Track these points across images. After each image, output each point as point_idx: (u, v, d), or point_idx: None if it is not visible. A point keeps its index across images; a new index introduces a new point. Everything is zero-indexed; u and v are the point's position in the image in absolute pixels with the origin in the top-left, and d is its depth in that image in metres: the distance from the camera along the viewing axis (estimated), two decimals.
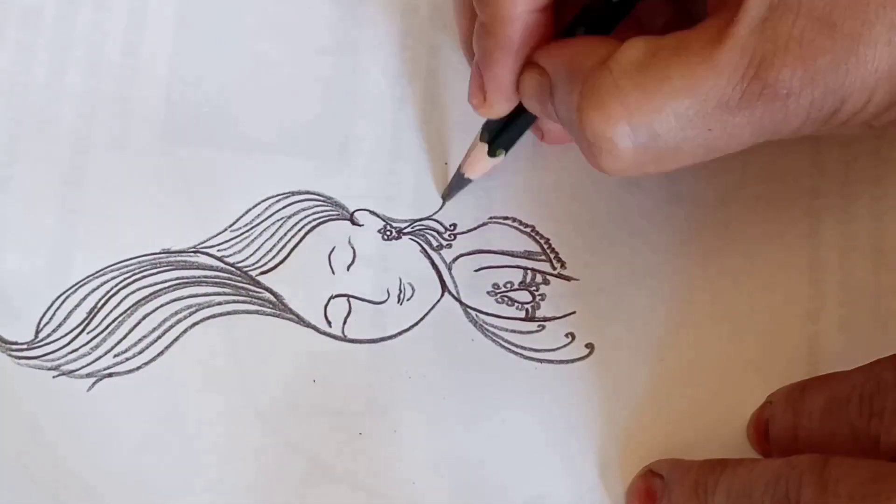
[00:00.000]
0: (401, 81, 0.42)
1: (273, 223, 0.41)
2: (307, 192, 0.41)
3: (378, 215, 0.41)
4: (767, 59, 0.30)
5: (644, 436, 0.39)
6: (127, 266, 0.41)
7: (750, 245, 0.40)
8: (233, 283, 0.40)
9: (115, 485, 0.39)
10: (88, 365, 0.40)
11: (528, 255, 0.41)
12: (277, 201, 0.41)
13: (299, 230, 0.41)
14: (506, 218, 0.41)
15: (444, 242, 0.41)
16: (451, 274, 0.41)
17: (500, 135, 0.38)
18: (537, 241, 0.41)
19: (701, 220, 0.41)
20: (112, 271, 0.41)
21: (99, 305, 0.40)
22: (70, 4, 0.43)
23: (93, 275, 0.40)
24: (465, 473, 0.39)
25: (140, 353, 0.40)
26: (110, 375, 0.40)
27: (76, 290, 0.40)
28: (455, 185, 0.41)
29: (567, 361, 0.40)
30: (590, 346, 0.40)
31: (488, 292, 0.40)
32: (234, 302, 0.40)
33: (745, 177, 0.41)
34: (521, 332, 0.40)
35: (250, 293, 0.40)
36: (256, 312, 0.40)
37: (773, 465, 0.32)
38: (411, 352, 0.40)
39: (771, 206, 0.41)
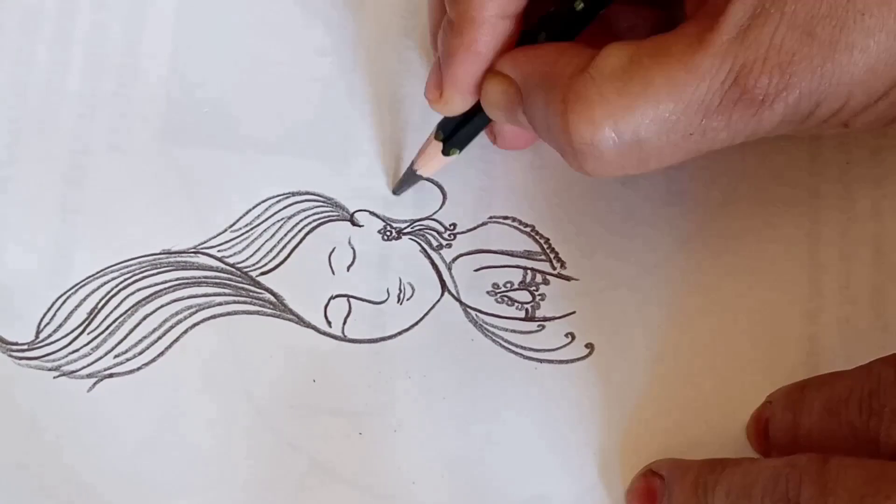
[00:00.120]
0: (400, 81, 0.42)
1: (273, 224, 0.41)
2: (307, 193, 0.41)
3: (378, 216, 0.41)
4: (747, 66, 0.30)
5: (644, 436, 0.39)
6: (127, 266, 0.41)
7: (750, 245, 0.40)
8: (233, 283, 0.40)
9: (116, 485, 0.39)
10: (89, 365, 0.40)
11: (527, 254, 0.41)
12: (277, 202, 0.41)
13: (299, 231, 0.41)
14: (506, 218, 0.41)
15: (444, 242, 0.41)
16: (450, 274, 0.41)
17: (454, 134, 0.38)
18: (537, 241, 0.41)
19: (701, 220, 0.41)
20: (112, 272, 0.41)
21: (99, 306, 0.40)
22: (70, 4, 0.43)
23: (93, 275, 0.40)
24: (465, 473, 0.39)
25: (140, 353, 0.40)
26: (111, 376, 0.40)
27: (77, 290, 0.40)
28: (406, 180, 0.41)
29: (567, 361, 0.40)
30: (590, 346, 0.40)
31: (488, 292, 0.40)
32: (235, 302, 0.40)
33: (744, 177, 0.41)
34: (521, 332, 0.40)
35: (250, 294, 0.40)
36: (257, 313, 0.40)
37: (772, 465, 0.32)
38: (411, 352, 0.40)
39: (771, 206, 0.41)
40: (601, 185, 0.41)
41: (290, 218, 0.41)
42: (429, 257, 0.41)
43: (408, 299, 0.40)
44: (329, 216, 0.41)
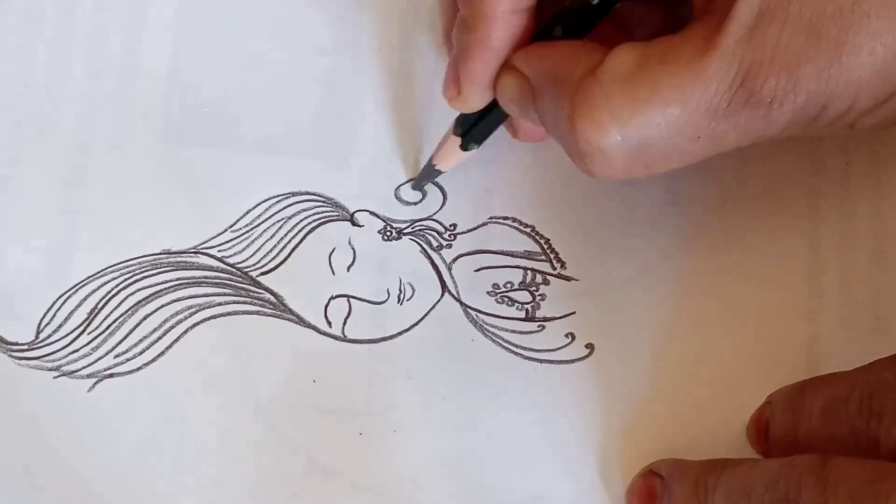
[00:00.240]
0: (400, 81, 0.42)
1: (273, 224, 0.41)
2: (307, 193, 0.41)
3: (378, 216, 0.41)
4: (754, 68, 0.30)
5: (644, 436, 0.39)
6: (127, 266, 0.41)
7: (750, 245, 0.40)
8: (233, 283, 0.40)
9: (116, 485, 0.39)
10: (89, 365, 0.40)
11: (528, 255, 0.41)
12: (278, 202, 0.41)
13: (300, 231, 0.41)
14: (506, 218, 0.41)
15: (444, 242, 0.41)
16: (451, 274, 0.41)
17: (472, 129, 0.38)
18: (537, 241, 0.41)
19: (701, 219, 0.41)
20: (112, 272, 0.41)
21: (99, 306, 0.40)
22: (70, 4, 0.43)
23: (93, 275, 0.40)
24: (465, 473, 0.39)
25: (141, 353, 0.40)
26: (111, 376, 0.40)
27: (77, 290, 0.40)
28: (425, 174, 0.41)
29: (567, 361, 0.40)
30: (590, 346, 0.40)
31: (488, 292, 0.40)
32: (235, 302, 0.40)
33: (744, 177, 0.41)
34: (521, 332, 0.40)
35: (251, 294, 0.40)
36: (257, 313, 0.40)
37: (772, 465, 0.32)
38: (411, 352, 0.40)
39: (771, 205, 0.41)
40: (601, 186, 0.41)
41: (290, 218, 0.41)
42: (429, 257, 0.41)
43: (408, 299, 0.40)
44: (329, 216, 0.41)
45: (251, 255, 0.41)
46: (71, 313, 0.40)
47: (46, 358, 0.40)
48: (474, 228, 0.41)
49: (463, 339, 0.40)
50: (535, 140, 0.40)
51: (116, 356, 0.40)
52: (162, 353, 0.40)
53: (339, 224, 0.41)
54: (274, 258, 0.41)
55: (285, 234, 0.41)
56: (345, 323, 0.40)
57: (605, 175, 0.33)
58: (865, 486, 0.30)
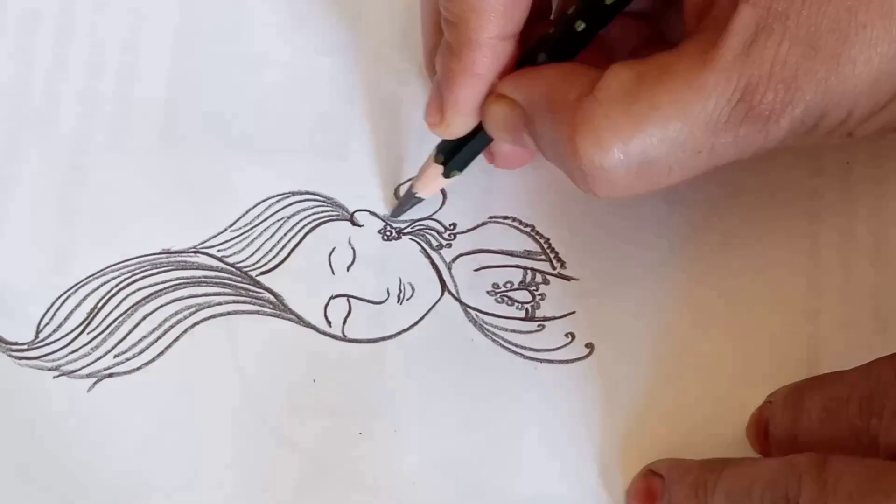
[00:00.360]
0: (400, 81, 0.42)
1: (273, 223, 0.41)
2: (307, 193, 0.41)
3: (378, 216, 0.41)
4: (753, 82, 0.30)
5: (644, 436, 0.39)
6: (127, 266, 0.41)
7: (750, 245, 0.40)
8: (233, 283, 0.40)
9: (115, 484, 0.39)
10: (89, 365, 0.40)
11: (527, 254, 0.41)
12: (277, 201, 0.41)
13: (299, 230, 0.41)
14: (506, 217, 0.41)
15: (444, 242, 0.41)
16: (450, 274, 0.41)
17: (454, 156, 0.38)
18: (537, 241, 0.41)
19: (701, 220, 0.41)
20: (112, 271, 0.41)
21: (99, 306, 0.40)
22: (70, 5, 0.43)
23: (93, 275, 0.40)
24: (465, 473, 0.39)
25: (140, 353, 0.40)
26: (110, 376, 0.40)
27: (76, 290, 0.40)
28: (405, 202, 0.41)
29: (567, 361, 0.40)
30: (590, 346, 0.40)
31: (488, 292, 0.40)
32: (235, 302, 0.40)
33: (744, 177, 0.41)
34: (521, 332, 0.40)
35: (250, 293, 0.40)
36: (256, 313, 0.40)
37: (772, 465, 0.32)
38: (411, 352, 0.40)
39: (771, 206, 0.40)
40: None
41: (289, 217, 0.41)
42: (429, 257, 0.41)
43: (408, 299, 0.40)
44: (329, 216, 0.41)
45: (251, 255, 0.41)
46: (70, 313, 0.40)
47: (46, 358, 0.40)
48: (474, 228, 0.41)
49: (463, 338, 0.40)
50: (513, 167, 0.40)
51: (116, 356, 0.40)
52: (161, 353, 0.40)
53: (338, 224, 0.41)
54: (274, 258, 0.41)
55: (285, 234, 0.41)
56: (345, 322, 0.40)
57: (608, 194, 0.33)
58: (865, 486, 0.30)
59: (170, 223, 0.41)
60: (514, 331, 0.40)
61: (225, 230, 0.41)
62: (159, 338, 0.40)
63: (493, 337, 0.40)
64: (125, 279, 0.40)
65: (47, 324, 0.40)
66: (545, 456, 0.39)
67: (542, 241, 0.41)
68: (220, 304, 0.40)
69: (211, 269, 0.41)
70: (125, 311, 0.40)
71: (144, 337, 0.40)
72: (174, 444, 0.39)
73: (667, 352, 0.39)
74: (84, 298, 0.40)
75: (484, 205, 0.41)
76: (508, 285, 0.40)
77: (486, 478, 0.39)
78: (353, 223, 0.41)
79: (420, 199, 0.40)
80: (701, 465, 0.36)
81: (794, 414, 0.36)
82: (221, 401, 0.39)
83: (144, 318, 0.40)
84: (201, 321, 0.40)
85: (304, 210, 0.41)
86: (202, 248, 0.41)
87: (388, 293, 0.40)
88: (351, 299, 0.40)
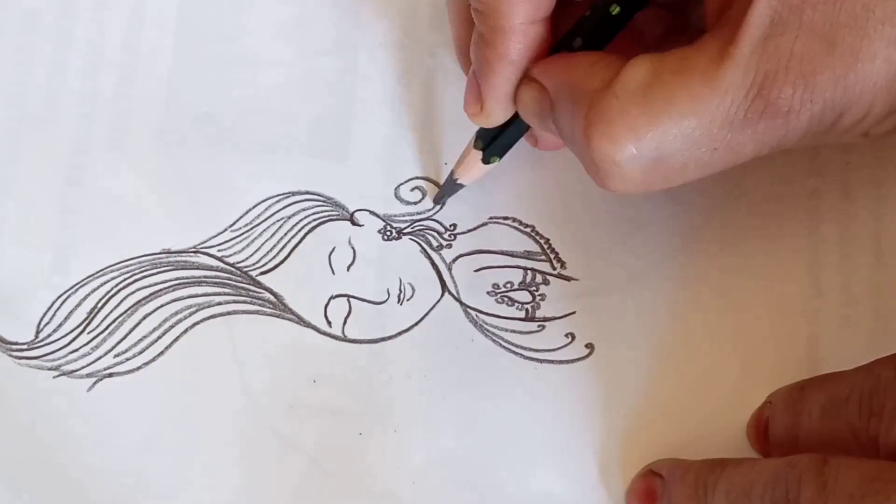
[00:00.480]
0: (400, 81, 0.42)
1: (273, 223, 0.41)
2: (307, 193, 0.41)
3: (378, 215, 0.41)
4: (770, 77, 0.30)
5: (644, 436, 0.39)
6: (127, 266, 0.41)
7: (750, 245, 0.40)
8: (233, 283, 0.40)
9: (115, 485, 0.39)
10: (89, 365, 0.40)
11: (527, 255, 0.41)
12: (277, 201, 0.41)
13: (299, 230, 0.41)
14: (506, 218, 0.41)
15: (444, 242, 0.41)
16: (451, 274, 0.41)
17: (494, 142, 0.38)
18: (537, 241, 0.41)
19: (701, 220, 0.41)
20: (112, 271, 0.41)
21: (99, 305, 0.40)
22: (70, 4, 0.43)
23: (93, 275, 0.40)
24: (465, 473, 0.39)
25: (140, 353, 0.40)
26: (110, 375, 0.40)
27: (76, 290, 0.40)
28: (447, 189, 0.41)
29: (567, 361, 0.40)
30: (590, 346, 0.40)
31: (488, 292, 0.40)
32: (235, 302, 0.40)
33: (744, 177, 0.41)
34: (521, 332, 0.40)
35: (250, 293, 0.40)
36: (256, 312, 0.40)
37: (772, 465, 0.32)
38: (411, 352, 0.40)
39: (771, 206, 0.40)
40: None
41: (289, 217, 0.41)
42: (429, 257, 0.41)
43: (408, 299, 0.40)
44: (329, 216, 0.41)
45: (251, 255, 0.41)
46: (70, 313, 0.40)
47: (46, 357, 0.40)
48: (474, 228, 0.41)
49: (463, 339, 0.40)
50: (555, 149, 0.40)
51: (116, 356, 0.40)
52: (161, 353, 0.40)
53: (338, 223, 0.41)
54: (274, 258, 0.41)
55: (285, 234, 0.41)
56: (345, 323, 0.40)
57: (621, 190, 0.33)
58: (865, 486, 0.30)
59: (170, 223, 0.41)
60: (514, 331, 0.40)
61: (225, 230, 0.41)
62: (159, 338, 0.40)
63: (494, 337, 0.40)
64: (125, 279, 0.40)
65: (47, 323, 0.40)
66: (545, 456, 0.39)
67: (542, 241, 0.41)
68: (220, 304, 0.40)
69: (211, 269, 0.41)
70: (125, 311, 0.40)
71: (144, 337, 0.40)
72: (174, 444, 0.39)
73: (667, 352, 0.39)
74: (84, 298, 0.40)
75: (484, 205, 0.41)
76: (508, 286, 0.40)
77: (486, 478, 0.39)
78: (354, 223, 0.41)
79: (461, 186, 0.40)
80: (701, 465, 0.36)
81: (794, 414, 0.36)
82: (221, 401, 0.39)
83: (144, 317, 0.40)
84: (201, 321, 0.40)
85: (304, 210, 0.41)
86: (202, 248, 0.41)
87: (389, 293, 0.40)
88: (351, 299, 0.40)
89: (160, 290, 0.40)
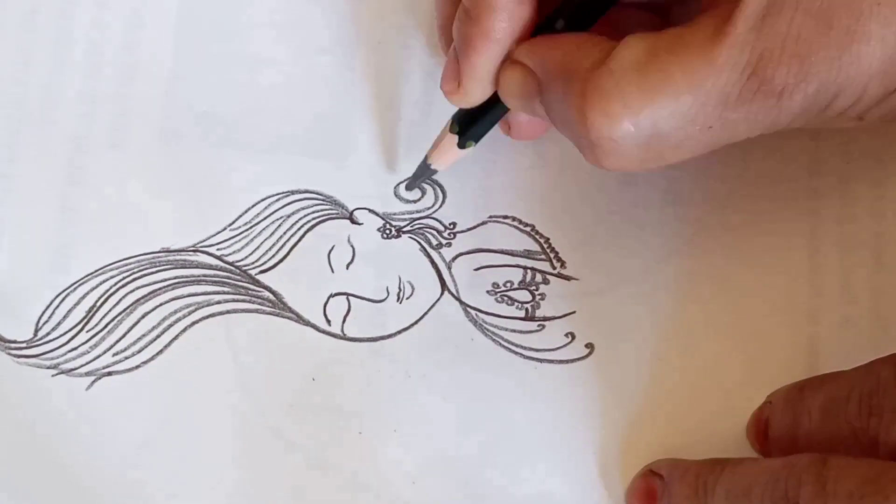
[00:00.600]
0: (400, 81, 0.42)
1: (272, 222, 0.41)
2: (306, 191, 0.41)
3: (377, 214, 0.41)
4: (765, 56, 0.30)
5: (644, 436, 0.39)
6: (126, 265, 0.41)
7: (750, 245, 0.40)
8: (232, 281, 0.40)
9: (114, 484, 0.39)
10: (87, 363, 0.40)
11: (527, 254, 0.41)
12: (277, 200, 0.41)
13: (299, 229, 0.41)
14: (505, 217, 0.41)
15: (444, 241, 0.41)
16: (450, 273, 0.41)
17: (470, 126, 0.38)
18: (537, 241, 0.41)
19: (701, 219, 0.41)
20: (111, 270, 0.41)
21: (98, 304, 0.40)
22: (70, 4, 0.43)
23: (92, 273, 0.40)
24: (465, 473, 0.39)
25: (139, 351, 0.40)
26: (109, 374, 0.40)
27: (75, 288, 0.40)
28: (419, 173, 0.40)
29: (567, 361, 0.40)
30: (590, 346, 0.40)
31: (488, 291, 0.40)
32: (234, 301, 0.40)
33: (744, 176, 0.41)
34: (520, 332, 0.40)
35: (250, 292, 0.40)
36: (256, 311, 0.40)
37: (772, 465, 0.32)
38: (411, 351, 0.40)
39: (771, 205, 0.40)
40: (601, 185, 0.41)
41: (289, 216, 0.41)
42: (428, 256, 0.41)
43: (407, 298, 0.40)
44: (328, 214, 0.41)
45: (250, 254, 0.41)
46: (69, 311, 0.40)
47: (45, 356, 0.40)
48: (474, 227, 0.41)
49: (463, 338, 0.40)
50: (529, 138, 0.40)
51: (115, 354, 0.40)
52: (160, 352, 0.40)
53: (338, 222, 0.41)
54: (273, 256, 0.41)
55: (284, 232, 0.41)
56: (344, 321, 0.40)
57: (616, 167, 0.33)
58: (864, 486, 0.30)
59: (169, 222, 0.41)
60: (514, 330, 0.40)
61: (224, 229, 0.41)
62: (158, 336, 0.40)
63: (493, 337, 0.40)
64: (124, 277, 0.40)
65: (46, 322, 0.40)
66: (545, 456, 0.39)
67: (541, 240, 0.41)
68: (219, 302, 0.40)
69: (210, 267, 0.41)
70: (124, 310, 0.40)
71: (143, 335, 0.40)
72: (173, 443, 0.39)
73: (667, 352, 0.39)
74: (83, 297, 0.40)
75: (484, 204, 0.41)
76: (508, 285, 0.40)
77: (486, 478, 0.39)
78: (353, 221, 0.41)
79: (434, 171, 0.40)
80: (701, 465, 0.36)
81: (793, 414, 0.36)
82: (220, 399, 0.39)
83: (143, 316, 0.40)
84: (200, 320, 0.40)
85: (304, 208, 0.41)
86: (201, 246, 0.41)
87: (388, 292, 0.40)
88: (350, 298, 0.40)
89: (159, 288, 0.40)
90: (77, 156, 0.42)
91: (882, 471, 0.30)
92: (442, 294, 0.40)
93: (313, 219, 0.41)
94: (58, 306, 0.40)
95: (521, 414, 0.39)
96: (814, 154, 0.41)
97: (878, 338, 0.39)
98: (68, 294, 0.40)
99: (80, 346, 0.40)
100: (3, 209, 0.41)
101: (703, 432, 0.39)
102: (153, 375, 0.39)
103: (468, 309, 0.40)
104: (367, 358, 0.40)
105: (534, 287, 0.40)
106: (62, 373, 0.40)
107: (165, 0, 0.43)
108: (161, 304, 0.40)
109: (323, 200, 0.41)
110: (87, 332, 0.40)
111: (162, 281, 0.40)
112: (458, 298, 0.40)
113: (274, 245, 0.41)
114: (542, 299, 0.40)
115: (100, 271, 0.40)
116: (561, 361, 0.40)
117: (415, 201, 0.41)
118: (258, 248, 0.41)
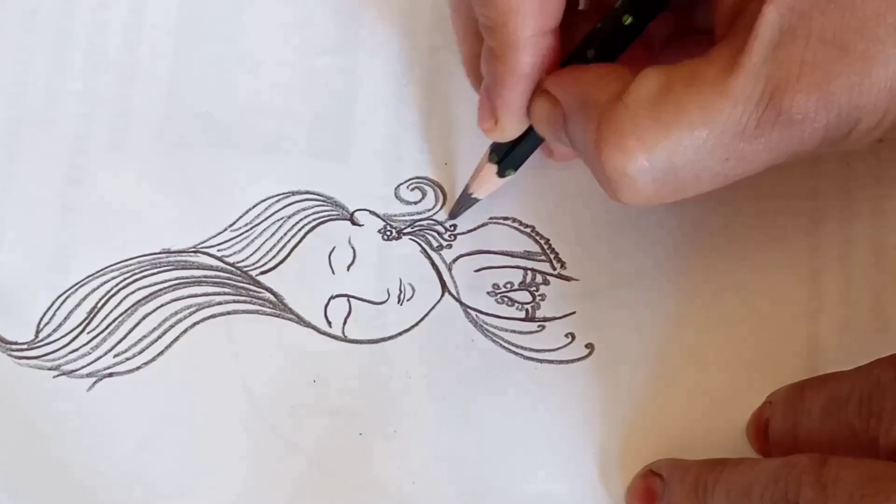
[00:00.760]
0: (401, 81, 0.42)
1: (273, 223, 0.41)
2: (307, 192, 0.41)
3: (378, 215, 0.41)
4: (781, 85, 0.30)
5: (644, 436, 0.39)
6: (127, 266, 0.41)
7: (750, 245, 0.40)
8: (233, 282, 0.40)
9: (115, 485, 0.39)
10: (88, 365, 0.40)
11: (527, 255, 0.41)
12: (277, 201, 0.41)
13: (299, 230, 0.41)
14: (506, 218, 0.41)
15: (445, 243, 0.41)
16: (451, 274, 0.41)
17: (509, 155, 0.38)
18: (537, 242, 0.41)
19: (701, 220, 0.41)
20: (112, 271, 0.41)
21: (99, 305, 0.40)
22: (70, 4, 0.43)
23: (93, 275, 0.40)
24: (465, 473, 0.39)
25: (140, 353, 0.40)
26: (110, 375, 0.40)
27: (76, 289, 0.40)
28: (462, 203, 0.41)
29: (567, 361, 0.40)
30: (590, 346, 0.40)
31: (488, 293, 0.40)
32: (234, 302, 0.40)
33: (744, 177, 0.41)
34: (521, 333, 0.40)
35: (250, 293, 0.40)
36: (256, 312, 0.40)
37: (772, 465, 0.32)
38: (411, 352, 0.40)
39: (771, 206, 0.40)
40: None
41: (289, 217, 0.41)
42: (429, 258, 0.41)
43: (408, 300, 0.40)
44: (329, 215, 0.41)
45: (251, 255, 0.41)
46: (70, 313, 0.40)
47: (46, 357, 0.40)
48: (474, 229, 0.41)
49: (463, 339, 0.40)
50: (570, 159, 0.40)
51: (116, 355, 0.40)
52: (161, 353, 0.40)
53: (338, 223, 0.41)
54: (274, 257, 0.41)
55: (285, 234, 0.41)
56: (345, 323, 0.40)
57: (634, 202, 0.32)
58: (864, 486, 0.30)
59: (170, 223, 0.41)
60: (514, 331, 0.40)
61: (225, 230, 0.41)
62: (159, 337, 0.40)
63: (494, 337, 0.40)
64: (125, 279, 0.40)
65: (47, 323, 0.40)
66: (545, 456, 0.39)
67: (542, 241, 0.41)
68: (220, 303, 0.40)
69: (211, 268, 0.41)
70: (125, 311, 0.40)
71: (144, 336, 0.40)
72: (174, 444, 0.39)
73: (667, 352, 0.39)
74: (84, 298, 0.40)
75: (484, 206, 0.41)
76: (509, 286, 0.40)
77: (486, 478, 0.39)
78: (354, 223, 0.41)
79: (476, 200, 0.40)
80: (701, 465, 0.36)
81: (793, 414, 0.36)
82: (221, 400, 0.39)
83: (144, 317, 0.40)
84: (201, 321, 0.40)
85: (304, 210, 0.41)
86: (202, 247, 0.41)
87: (389, 294, 0.40)
88: (351, 299, 0.40)
89: (160, 289, 0.40)
90: (77, 156, 0.42)
91: (882, 471, 0.30)
92: (442, 295, 0.40)
93: (314, 220, 0.41)
94: (59, 307, 0.40)
95: (521, 414, 0.39)
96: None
97: (878, 338, 0.39)
98: (69, 295, 0.40)
99: (81, 347, 0.40)
100: (3, 209, 0.41)
101: (703, 432, 0.39)
102: (154, 377, 0.39)
103: (468, 310, 0.40)
104: (368, 359, 0.40)
105: (534, 288, 0.40)
106: (63, 374, 0.40)
107: (165, 0, 0.43)
108: (162, 306, 0.40)
109: (324, 202, 0.41)
110: (88, 333, 0.40)
111: (163, 282, 0.40)
112: (458, 300, 0.40)
113: (275, 246, 0.41)
114: (543, 300, 0.40)
115: (101, 272, 0.40)
116: (561, 362, 0.40)
117: (415, 202, 0.41)
118: (259, 248, 0.41)
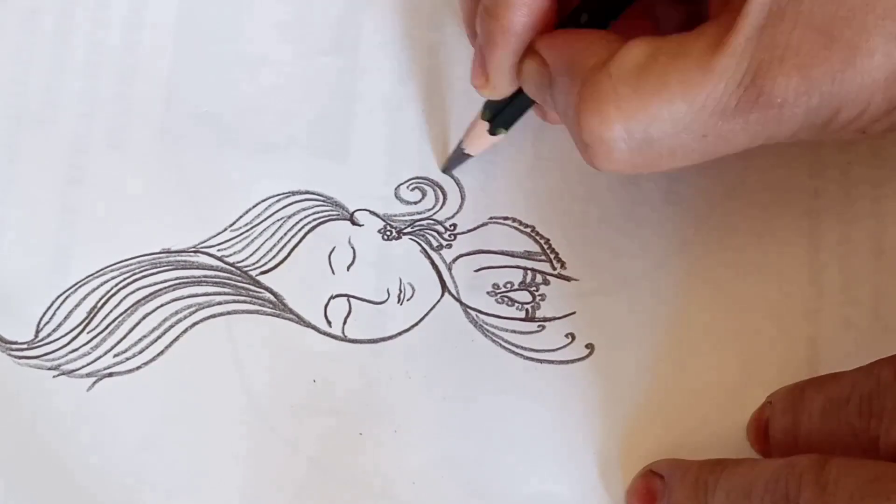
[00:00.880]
0: (400, 81, 0.42)
1: (273, 223, 0.41)
2: (307, 192, 0.41)
3: (378, 215, 0.41)
4: (764, 67, 0.30)
5: (644, 436, 0.39)
6: (127, 266, 0.41)
7: (750, 245, 0.40)
8: (233, 282, 0.40)
9: (115, 485, 0.39)
10: (88, 365, 0.40)
11: (528, 255, 0.41)
12: (277, 201, 0.41)
13: (299, 230, 0.41)
14: (506, 218, 0.41)
15: (444, 242, 0.41)
16: (451, 274, 0.41)
17: (500, 114, 0.38)
18: (537, 242, 0.41)
19: (701, 220, 0.41)
20: (112, 271, 0.41)
21: (99, 305, 0.40)
22: (70, 4, 0.43)
23: (93, 274, 0.40)
24: (465, 473, 0.39)
25: (140, 352, 0.40)
26: (110, 375, 0.40)
27: (76, 289, 0.40)
28: (455, 158, 0.41)
29: (567, 361, 0.40)
30: (590, 346, 0.40)
31: (488, 292, 0.40)
32: (234, 302, 0.40)
33: (744, 177, 0.41)
34: (521, 333, 0.40)
35: (250, 293, 0.40)
36: (256, 312, 0.40)
37: (772, 466, 0.32)
38: (411, 352, 0.40)
39: (771, 206, 0.40)
40: (601, 186, 0.41)
41: (289, 217, 0.41)
42: (429, 257, 0.41)
43: (408, 299, 0.40)
44: (329, 215, 0.41)
45: (251, 255, 0.41)
46: (70, 312, 0.40)
47: (46, 357, 0.40)
48: (474, 228, 0.41)
49: (463, 339, 0.40)
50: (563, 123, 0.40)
51: (116, 355, 0.40)
52: (161, 353, 0.40)
53: (338, 223, 0.41)
54: (274, 257, 0.41)
55: (285, 234, 0.41)
56: (345, 322, 0.40)
57: (607, 168, 0.33)
58: (865, 487, 0.30)
59: (170, 223, 0.41)
60: (514, 331, 0.40)
61: (225, 230, 0.41)
62: (159, 337, 0.40)
63: (494, 337, 0.40)
64: (125, 278, 0.40)
65: (47, 323, 0.40)
66: (545, 456, 0.39)
67: (542, 241, 0.41)
68: (219, 303, 0.40)
69: (211, 268, 0.41)
70: (125, 311, 0.40)
71: (144, 336, 0.40)
72: (174, 444, 0.39)
73: (667, 352, 0.39)
74: (84, 298, 0.40)
75: (484, 205, 0.41)
76: (508, 286, 0.40)
77: (486, 478, 0.39)
78: (353, 223, 0.41)
79: (469, 156, 0.40)
80: (701, 465, 0.36)
81: (794, 414, 0.36)
82: (221, 401, 0.39)
83: (144, 317, 0.40)
84: (201, 321, 0.40)
85: (304, 209, 0.41)
86: (202, 247, 0.41)
87: (389, 293, 0.40)
88: (351, 299, 0.40)
89: (160, 289, 0.40)
90: (77, 156, 0.42)
91: (882, 472, 0.30)
92: (442, 295, 0.40)
93: (314, 220, 0.41)
94: (59, 307, 0.40)
95: (522, 414, 0.39)
96: (814, 154, 0.41)
97: (879, 339, 0.39)
98: (69, 295, 0.40)
99: (81, 347, 0.40)
100: (3, 209, 0.41)
101: (703, 432, 0.39)
102: (154, 376, 0.40)
103: (468, 310, 0.40)
104: (368, 359, 0.40)
105: (534, 288, 0.40)
106: (63, 374, 0.40)
107: (166, 0, 0.43)
108: (162, 305, 0.40)
109: (324, 201, 0.41)
110: (88, 333, 0.40)
111: (163, 282, 0.40)
112: (458, 300, 0.40)
113: (275, 246, 0.41)
114: (543, 300, 0.40)
115: (100, 272, 0.40)
116: (561, 362, 0.40)
117: (415, 202, 0.41)
118: (259, 248, 0.41)
